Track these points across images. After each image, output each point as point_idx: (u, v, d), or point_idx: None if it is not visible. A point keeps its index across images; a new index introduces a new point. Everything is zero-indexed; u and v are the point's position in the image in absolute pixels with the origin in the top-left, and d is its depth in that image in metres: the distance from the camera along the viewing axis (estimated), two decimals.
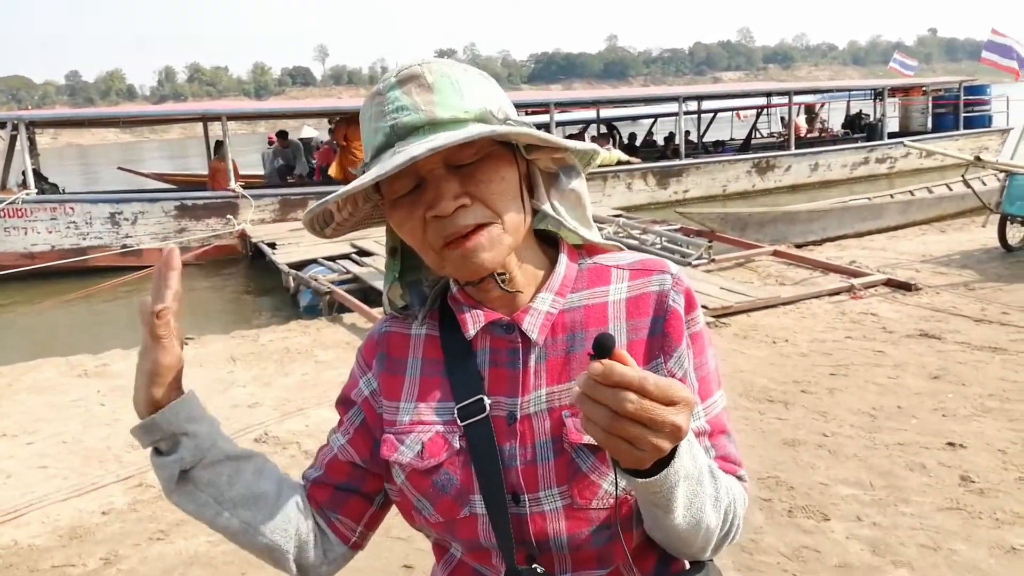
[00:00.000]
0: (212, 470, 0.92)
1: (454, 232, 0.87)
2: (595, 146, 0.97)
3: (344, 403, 1.06)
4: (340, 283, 7.62)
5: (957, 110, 17.67)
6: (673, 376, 0.93)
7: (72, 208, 10.98)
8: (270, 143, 15.30)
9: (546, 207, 0.96)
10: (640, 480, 0.76)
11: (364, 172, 0.88)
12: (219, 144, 12.59)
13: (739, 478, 0.98)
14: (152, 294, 0.85)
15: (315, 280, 7.62)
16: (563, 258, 0.99)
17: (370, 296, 7.20)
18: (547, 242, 1.02)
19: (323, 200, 0.89)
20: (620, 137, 18.14)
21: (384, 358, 1.03)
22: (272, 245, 9.77)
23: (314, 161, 14.62)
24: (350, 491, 1.02)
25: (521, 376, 0.94)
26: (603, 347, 0.70)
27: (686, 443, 0.77)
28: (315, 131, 15.57)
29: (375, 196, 0.96)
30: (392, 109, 0.88)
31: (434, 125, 0.86)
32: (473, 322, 0.96)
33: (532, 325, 0.94)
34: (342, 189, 0.87)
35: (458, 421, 0.94)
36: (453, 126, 0.86)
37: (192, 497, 0.92)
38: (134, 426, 0.89)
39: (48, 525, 3.43)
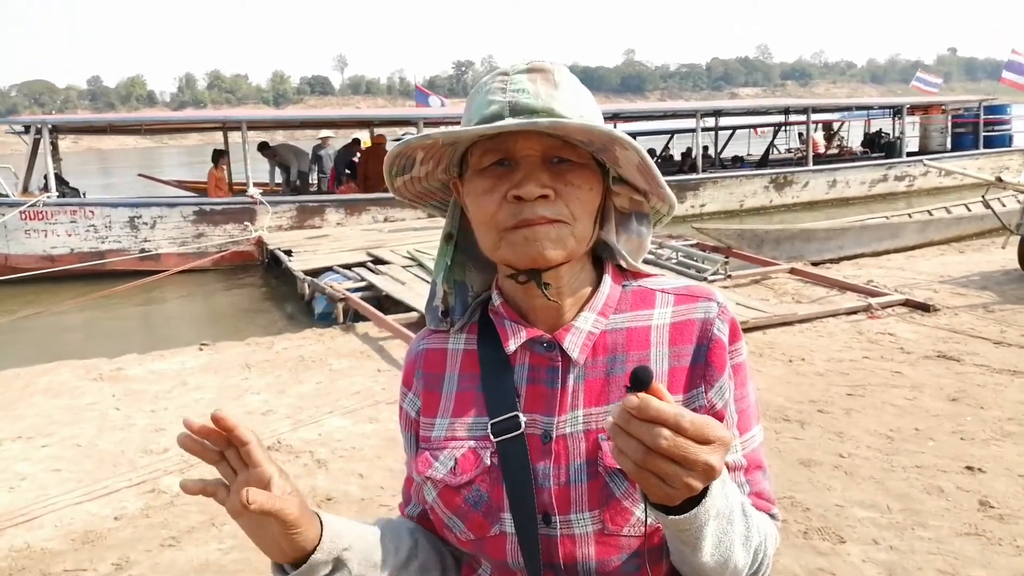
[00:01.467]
0: (366, 560, 0.93)
1: (528, 218, 0.88)
2: (675, 201, 0.98)
3: (402, 436, 1.08)
4: (355, 291, 7.58)
5: (977, 129, 17.58)
6: (713, 406, 0.92)
7: (92, 212, 11.08)
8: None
9: (611, 239, 0.97)
10: (669, 517, 0.75)
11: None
12: (218, 153, 12.70)
13: (772, 516, 0.96)
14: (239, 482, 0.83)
15: (330, 287, 7.58)
16: (607, 278, 0.98)
17: (385, 304, 7.21)
18: (592, 262, 1.01)
19: (430, 132, 0.88)
20: None
21: (422, 375, 1.03)
22: (288, 252, 9.80)
23: (329, 162, 14.63)
24: None
25: (559, 395, 0.93)
26: (640, 380, 0.69)
27: (719, 481, 0.75)
28: (331, 132, 15.70)
29: (454, 171, 0.98)
30: (515, 89, 0.89)
31: (550, 115, 0.87)
32: (514, 337, 0.95)
33: (573, 344, 0.93)
34: (452, 128, 0.87)
35: (491, 437, 0.93)
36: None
37: None
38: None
39: (61, 529, 3.44)
